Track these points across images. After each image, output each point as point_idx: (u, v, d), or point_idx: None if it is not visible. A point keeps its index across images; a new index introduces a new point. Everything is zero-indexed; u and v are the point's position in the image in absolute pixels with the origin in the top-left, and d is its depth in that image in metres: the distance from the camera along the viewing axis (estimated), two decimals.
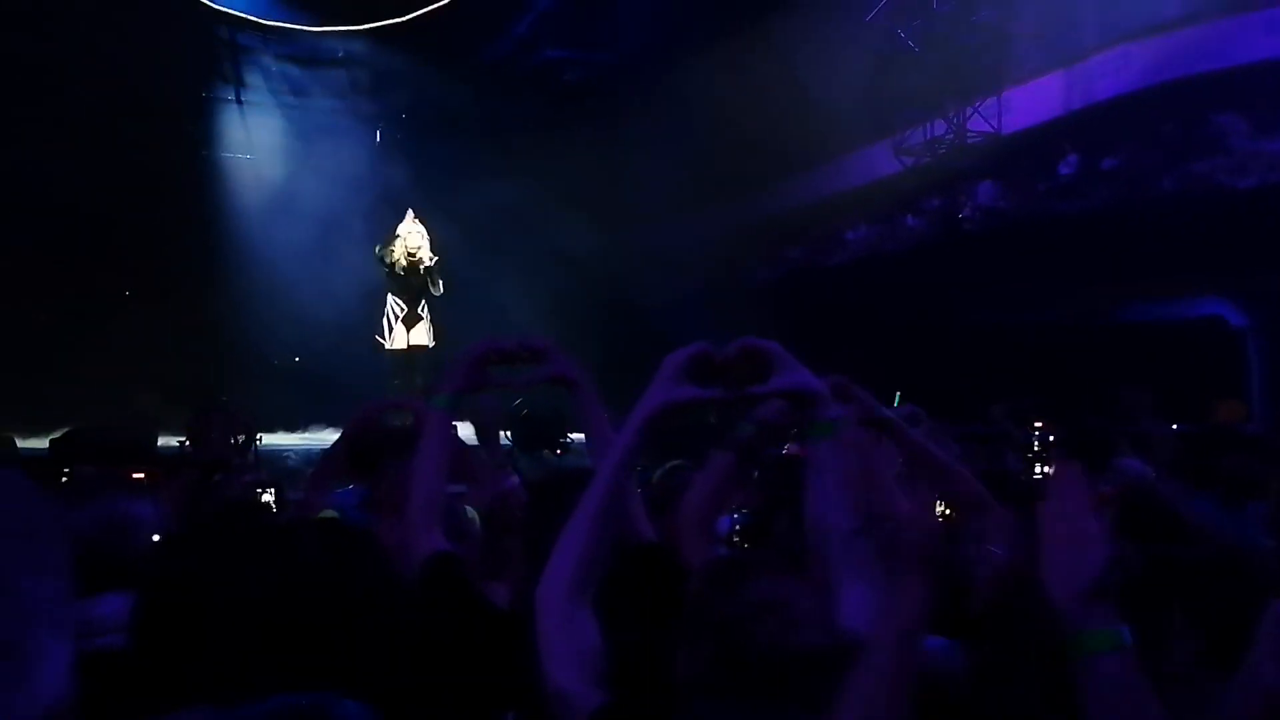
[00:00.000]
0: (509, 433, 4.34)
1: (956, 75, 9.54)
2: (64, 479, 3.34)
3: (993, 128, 9.59)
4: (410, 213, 9.84)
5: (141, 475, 2.71)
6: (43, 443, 4.91)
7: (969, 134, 9.63)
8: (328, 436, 9.03)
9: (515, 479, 2.57)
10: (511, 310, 10.28)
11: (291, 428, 9.64)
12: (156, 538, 2.45)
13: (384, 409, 2.59)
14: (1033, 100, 9.52)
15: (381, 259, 9.80)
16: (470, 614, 1.63)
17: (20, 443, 5.08)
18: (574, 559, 1.31)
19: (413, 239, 9.77)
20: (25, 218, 9.11)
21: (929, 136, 9.84)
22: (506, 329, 9.57)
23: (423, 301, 9.90)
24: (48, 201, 9.17)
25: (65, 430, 4.37)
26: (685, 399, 1.36)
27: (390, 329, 9.89)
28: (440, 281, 9.87)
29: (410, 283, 9.82)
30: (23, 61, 9.12)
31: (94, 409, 7.39)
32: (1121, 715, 1.02)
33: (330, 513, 2.47)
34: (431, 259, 9.81)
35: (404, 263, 9.75)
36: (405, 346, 9.85)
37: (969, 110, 9.61)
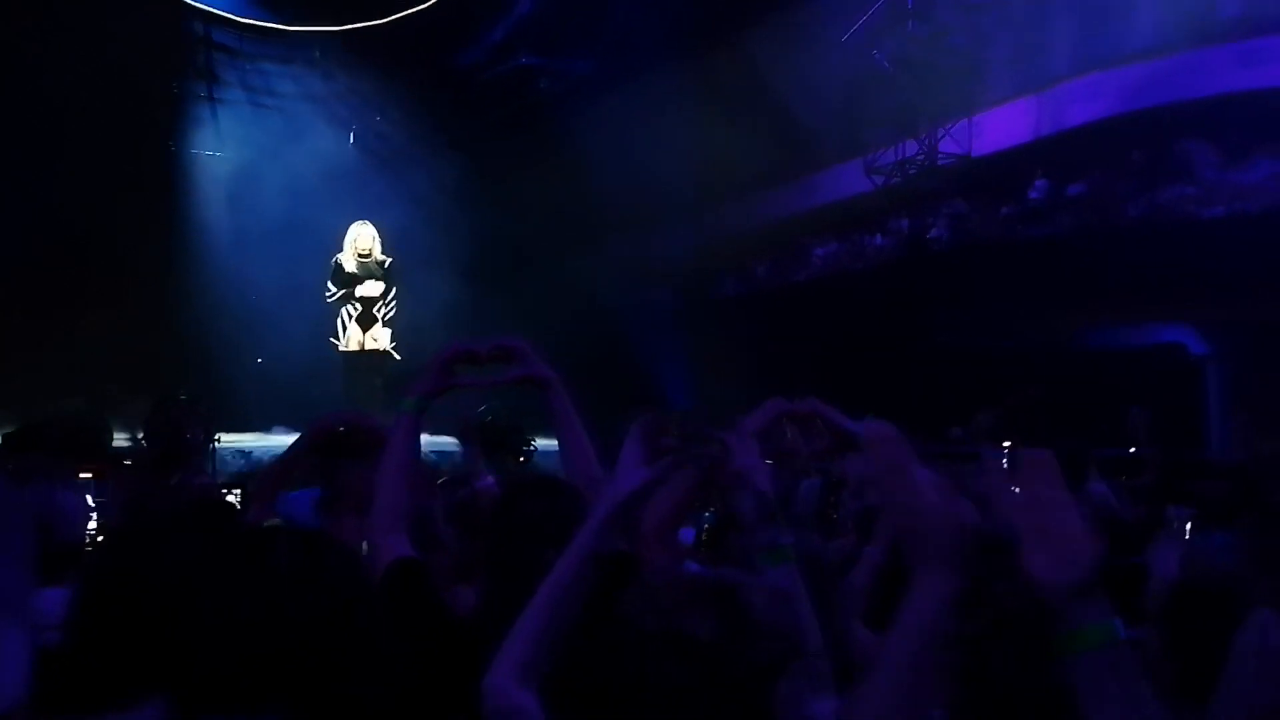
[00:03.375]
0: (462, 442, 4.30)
1: (929, 97, 9.62)
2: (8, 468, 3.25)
3: (963, 150, 9.67)
4: (360, 220, 9.84)
5: (89, 472, 2.63)
6: None
7: (940, 155, 9.70)
8: (287, 438, 8.93)
9: (490, 479, 2.53)
10: (474, 315, 10.20)
11: (252, 428, 9.52)
12: (93, 530, 2.38)
13: (344, 420, 2.53)
14: (1003, 124, 9.61)
15: (337, 264, 9.79)
16: (431, 622, 1.58)
17: None
18: (528, 644, 1.26)
19: (363, 241, 9.77)
20: None
21: (900, 157, 9.90)
22: (466, 333, 9.52)
23: (377, 304, 9.84)
24: (12, 193, 9.00)
25: (16, 425, 4.25)
26: (640, 485, 1.35)
27: (345, 329, 9.83)
28: (392, 284, 9.84)
29: (363, 285, 9.79)
30: None
31: (53, 403, 7.22)
32: (1119, 711, 0.98)
33: (275, 520, 2.42)
34: (383, 260, 9.79)
35: (355, 265, 9.73)
36: (359, 348, 9.80)
37: (940, 132, 9.68)
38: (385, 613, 1.55)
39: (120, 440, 5.14)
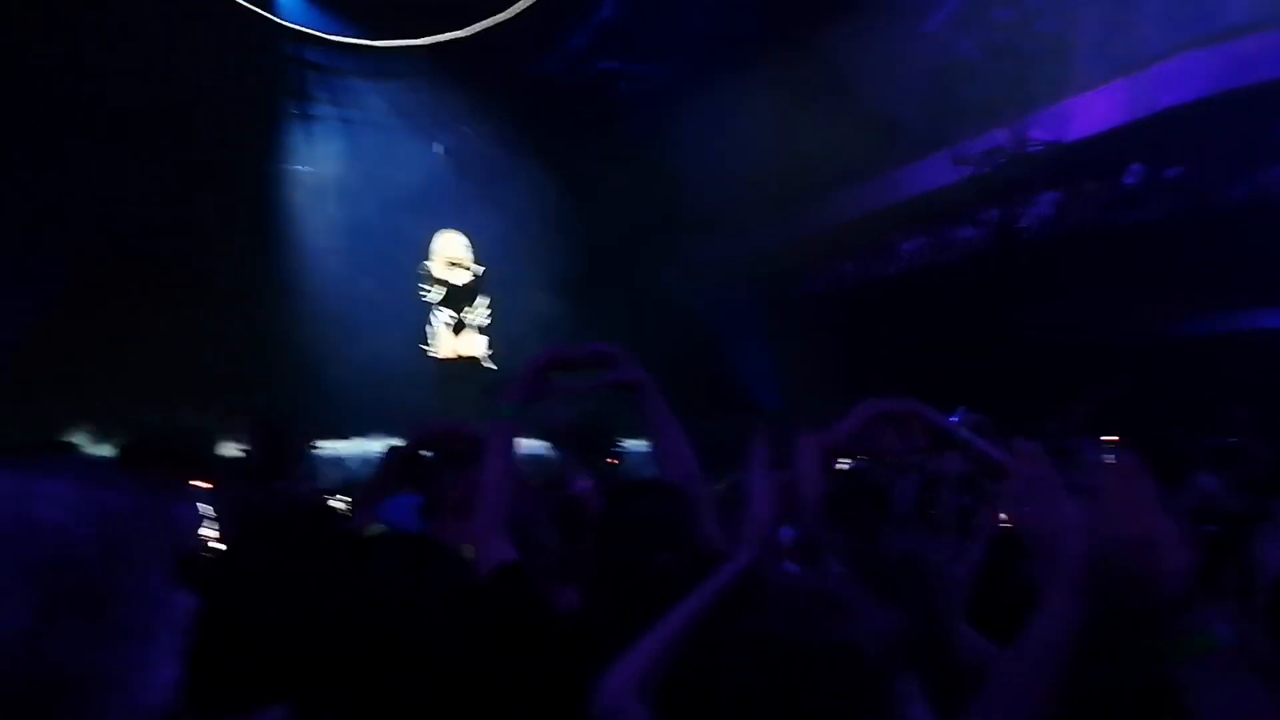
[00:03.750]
0: (559, 444, 4.35)
1: (1017, 84, 9.40)
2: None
3: (1054, 137, 9.42)
4: (450, 230, 10.03)
5: (202, 483, 2.75)
6: (105, 449, 4.99)
7: (1029, 143, 9.47)
8: (379, 444, 9.15)
9: (587, 482, 2.57)
10: (560, 320, 10.32)
11: (345, 435, 9.78)
12: (210, 540, 2.48)
13: (442, 428, 2.60)
14: (1095, 109, 9.33)
15: (427, 271, 9.98)
16: (535, 622, 1.62)
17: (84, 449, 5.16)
18: (653, 657, 1.30)
19: (452, 249, 9.94)
20: (93, 226, 9.31)
21: (988, 146, 9.70)
22: (556, 339, 9.66)
23: (467, 310, 10.02)
24: (115, 211, 9.38)
25: (131, 438, 4.44)
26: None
27: (437, 338, 10.02)
28: (483, 292, 10.01)
29: (455, 293, 9.96)
30: (93, 72, 9.34)
31: (155, 416, 7.53)
32: (1231, 714, 0.97)
33: (378, 526, 2.48)
34: (475, 269, 9.97)
35: (446, 273, 9.92)
36: (452, 355, 9.99)
37: (1030, 119, 9.46)
38: (490, 614, 1.59)
39: (225, 450, 5.32)
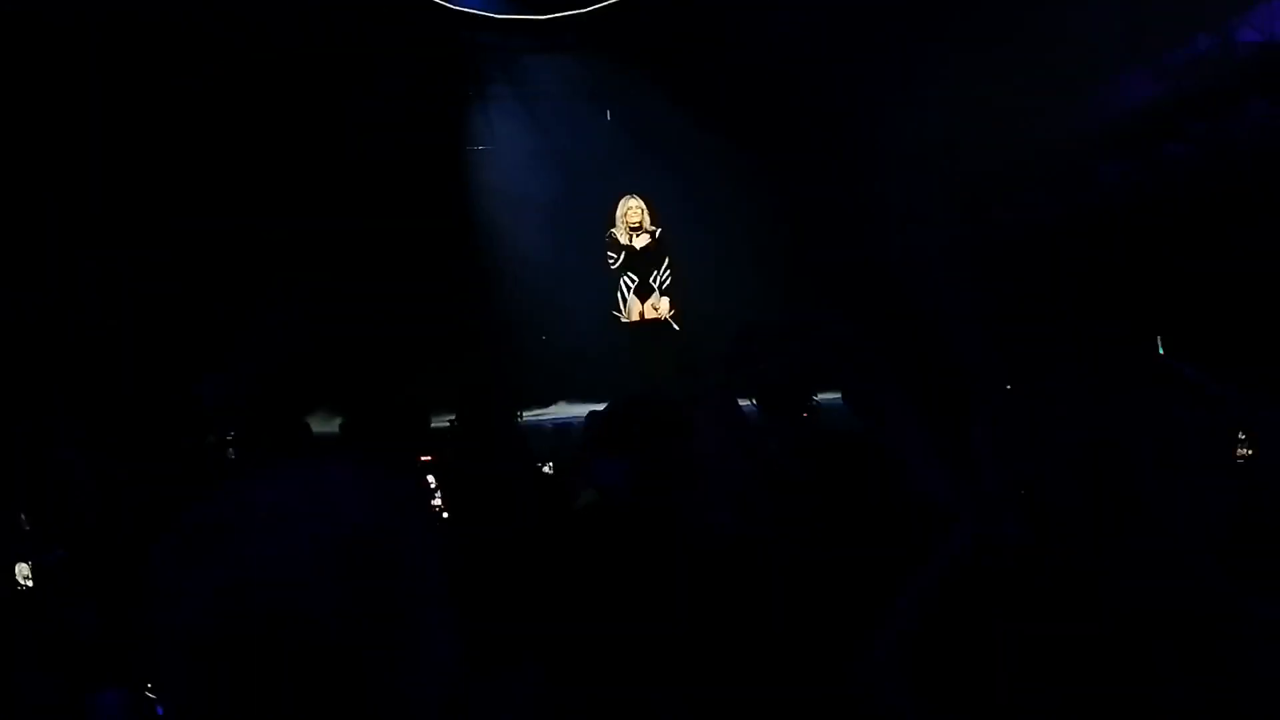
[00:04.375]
0: (754, 400, 4.37)
1: None
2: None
3: (1265, 37, 8.63)
4: (629, 194, 10.14)
5: (425, 457, 2.93)
6: (330, 426, 5.37)
7: (1238, 47, 8.72)
8: (576, 410, 9.48)
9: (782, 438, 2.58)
10: (745, 278, 10.30)
11: (542, 403, 10.14)
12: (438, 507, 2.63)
13: (646, 395, 2.66)
14: None
15: (611, 238, 10.15)
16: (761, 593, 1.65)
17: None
18: (902, 631, 1.31)
19: (633, 214, 10.07)
20: (290, 226, 9.89)
21: (1191, 54, 8.98)
22: (740, 297, 9.66)
23: (653, 273, 10.13)
24: (313, 201, 9.97)
25: (350, 414, 4.75)
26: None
27: (625, 302, 10.19)
28: (665, 254, 10.10)
29: (638, 256, 10.10)
30: (285, 76, 9.90)
31: (368, 395, 7.99)
32: None
33: (591, 494, 2.57)
34: (654, 230, 10.06)
35: (628, 238, 10.06)
36: (639, 318, 10.15)
37: (1236, 21, 8.69)
38: (715, 584, 1.64)
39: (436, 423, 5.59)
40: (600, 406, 2.86)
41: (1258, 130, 8.63)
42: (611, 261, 10.25)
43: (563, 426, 7.39)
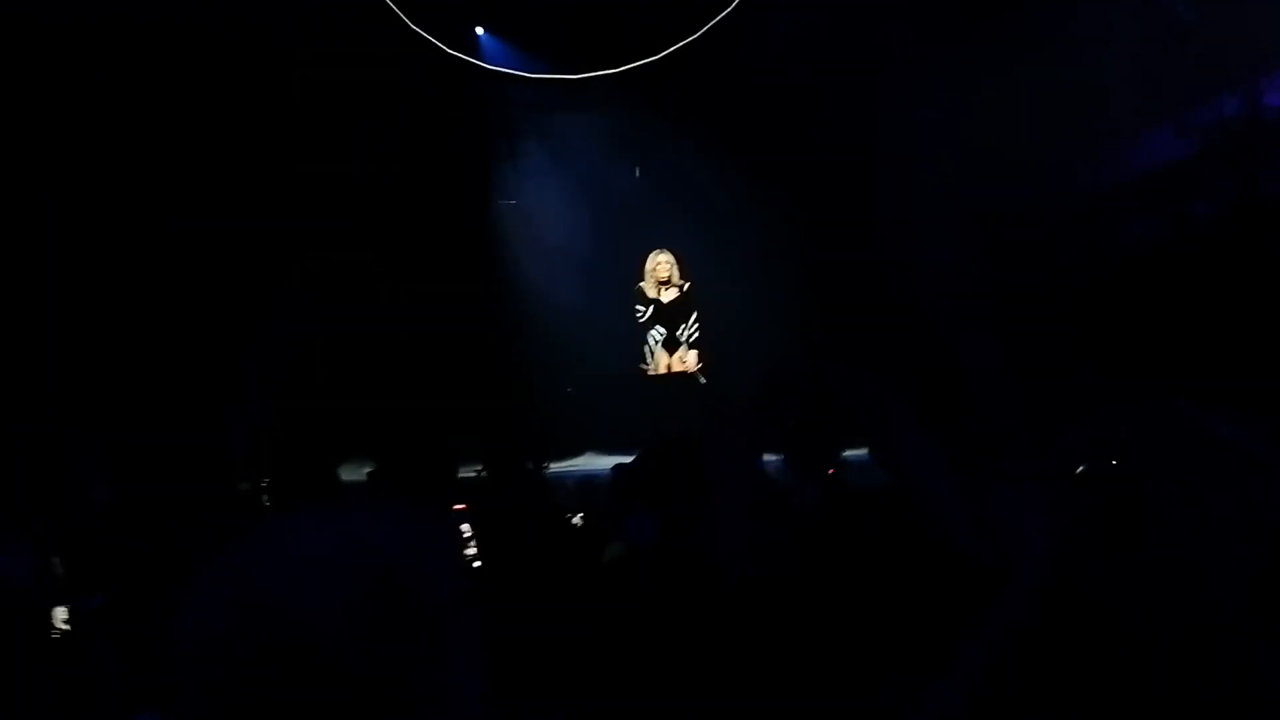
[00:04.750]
0: (782, 456, 4.37)
1: (1244, 46, 8.70)
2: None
3: None
4: (658, 249, 10.23)
5: (463, 506, 2.97)
6: (357, 475, 5.41)
7: (1263, 109, 8.74)
8: (603, 461, 9.50)
9: (817, 492, 2.60)
10: (773, 332, 10.35)
11: (570, 454, 10.16)
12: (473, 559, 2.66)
13: (673, 446, 2.70)
14: None
15: (639, 291, 10.24)
16: (783, 642, 1.67)
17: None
18: (958, 695, 1.31)
19: (662, 269, 10.15)
20: (326, 269, 10.02)
21: (1216, 115, 9.01)
22: (767, 351, 9.70)
23: (680, 327, 10.19)
24: (347, 253, 10.10)
25: (378, 464, 4.80)
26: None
27: (652, 355, 10.25)
28: (693, 308, 10.17)
29: (666, 310, 10.17)
30: (319, 126, 10.05)
31: (397, 444, 8.00)
32: None
33: (619, 547, 2.60)
34: (683, 285, 10.14)
35: (657, 292, 10.14)
36: (667, 371, 10.19)
37: (1263, 83, 8.72)
38: (737, 632, 1.66)
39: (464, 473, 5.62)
40: (627, 459, 2.88)
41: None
42: (640, 315, 10.33)
43: (589, 478, 7.41)
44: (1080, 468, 1.79)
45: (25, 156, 8.88)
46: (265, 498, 4.96)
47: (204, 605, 0.88)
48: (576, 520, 2.90)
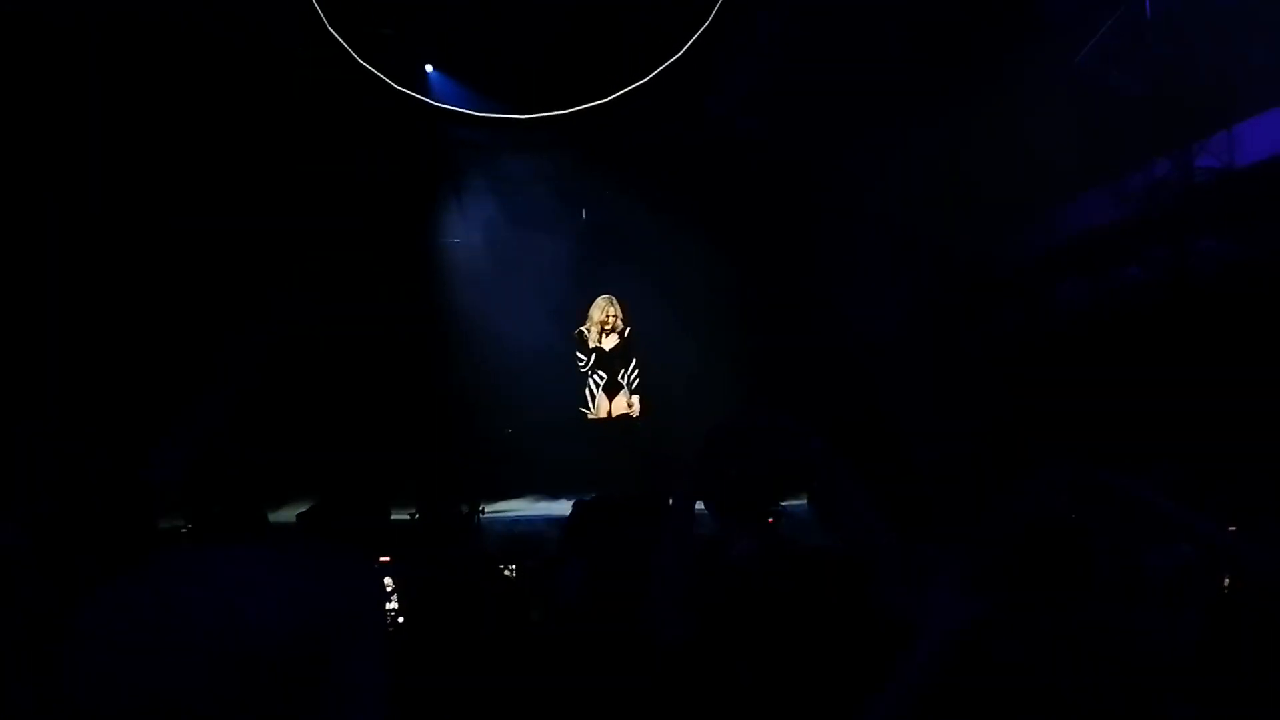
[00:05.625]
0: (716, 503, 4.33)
1: (1179, 114, 8.97)
2: None
3: (1223, 164, 8.92)
4: (600, 295, 10.24)
5: (383, 557, 2.86)
6: (285, 515, 5.26)
7: (1196, 172, 8.99)
8: (539, 506, 9.38)
9: (750, 545, 2.55)
10: (715, 378, 10.36)
11: (506, 496, 10.05)
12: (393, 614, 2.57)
13: (614, 496, 2.64)
14: (1272, 131, 8.79)
15: (580, 335, 10.21)
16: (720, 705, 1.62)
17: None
18: None
19: (606, 318, 10.14)
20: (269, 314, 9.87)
21: (1151, 179, 9.26)
22: (708, 397, 9.71)
23: (621, 372, 10.17)
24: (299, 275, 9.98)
25: (308, 506, 4.65)
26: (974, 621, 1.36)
27: (593, 399, 10.21)
28: (634, 354, 10.16)
29: (607, 356, 10.15)
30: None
31: (330, 484, 7.83)
32: None
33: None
34: (624, 330, 10.14)
35: (598, 338, 10.12)
36: (607, 415, 10.16)
37: (1196, 148, 8.99)
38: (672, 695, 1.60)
39: (396, 517, 5.49)
40: (567, 504, 2.82)
41: (1209, 260, 8.86)
42: (581, 364, 10.29)
43: (522, 523, 7.32)
44: (1009, 530, 1.78)
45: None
46: (186, 534, 4.79)
47: (85, 641, 0.81)
48: (509, 572, 2.82)
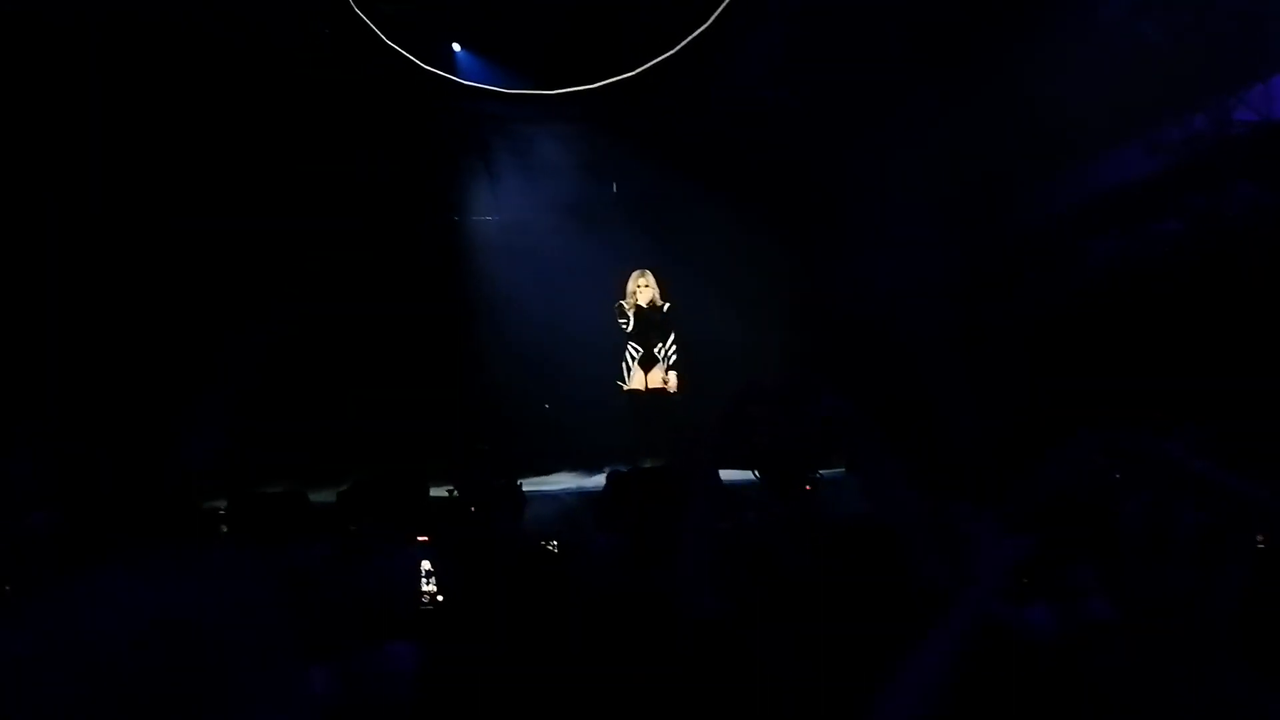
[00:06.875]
0: (756, 472, 4.34)
1: (1212, 65, 8.76)
2: (351, 531, 3.64)
3: (1260, 116, 8.72)
4: (636, 268, 10.23)
5: (421, 537, 2.91)
6: (327, 495, 5.35)
7: (1233, 125, 8.80)
8: (578, 480, 9.44)
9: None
10: (751, 353, 10.36)
11: (543, 471, 10.12)
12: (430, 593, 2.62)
13: (641, 472, 2.67)
14: None
15: (619, 309, 10.19)
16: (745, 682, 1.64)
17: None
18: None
19: (642, 291, 10.11)
20: (299, 285, 9.96)
21: (1186, 132, 9.07)
22: (745, 371, 9.70)
23: (658, 345, 10.16)
24: (320, 268, 10.05)
25: (349, 485, 4.73)
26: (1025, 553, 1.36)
27: (629, 372, 10.21)
28: (671, 329, 10.14)
29: (645, 329, 10.13)
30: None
31: (369, 462, 7.95)
32: None
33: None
34: (663, 305, 10.11)
35: (636, 311, 10.10)
36: (643, 388, 10.15)
37: (1231, 100, 8.79)
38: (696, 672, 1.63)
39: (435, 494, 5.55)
40: (600, 482, 2.86)
41: (1249, 210, 8.68)
42: (624, 324, 10.28)
43: (560, 496, 7.36)
44: (1047, 498, 1.78)
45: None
46: (224, 521, 4.88)
47: (10, 644, 0.79)
48: (551, 546, 2.86)
